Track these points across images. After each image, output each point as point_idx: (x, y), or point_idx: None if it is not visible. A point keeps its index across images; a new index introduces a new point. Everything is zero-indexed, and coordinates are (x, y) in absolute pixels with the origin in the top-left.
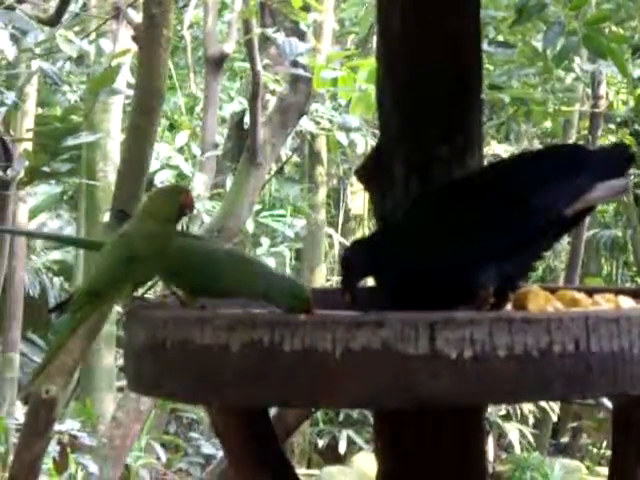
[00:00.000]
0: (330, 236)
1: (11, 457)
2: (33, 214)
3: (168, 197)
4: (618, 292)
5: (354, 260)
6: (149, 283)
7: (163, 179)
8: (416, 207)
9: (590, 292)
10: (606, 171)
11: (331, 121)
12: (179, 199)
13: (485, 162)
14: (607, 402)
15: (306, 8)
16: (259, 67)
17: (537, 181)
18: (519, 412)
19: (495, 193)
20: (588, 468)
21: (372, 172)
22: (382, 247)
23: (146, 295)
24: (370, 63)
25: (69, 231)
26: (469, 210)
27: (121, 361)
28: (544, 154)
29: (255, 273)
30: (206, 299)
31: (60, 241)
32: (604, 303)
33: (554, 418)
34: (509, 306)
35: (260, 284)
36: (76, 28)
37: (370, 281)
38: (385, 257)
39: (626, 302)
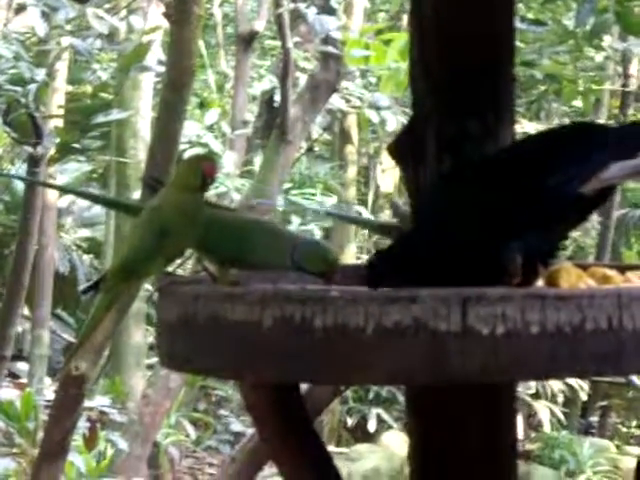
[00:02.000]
0: (360, 214)
1: (41, 434)
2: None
3: (191, 167)
4: None
5: (379, 265)
6: (180, 259)
7: None
8: (439, 189)
9: (622, 269)
10: (623, 150)
11: (361, 99)
12: (201, 167)
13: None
14: (637, 381)
15: None
16: (290, 44)
17: (552, 159)
18: (549, 391)
19: (514, 172)
20: (617, 447)
21: (404, 148)
22: (410, 232)
23: (177, 271)
24: (402, 36)
25: (98, 209)
26: (491, 188)
27: (151, 339)
28: (563, 132)
29: (284, 240)
30: (238, 271)
31: (98, 202)
32: (636, 280)
33: (584, 397)
34: (541, 283)
35: (289, 251)
36: (107, 5)
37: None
38: (413, 241)
39: None
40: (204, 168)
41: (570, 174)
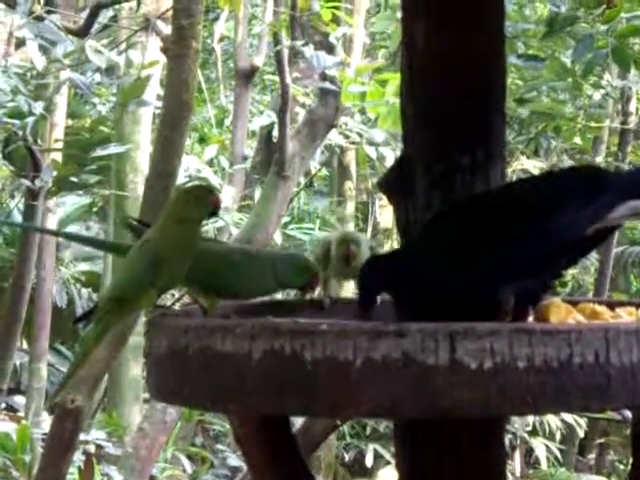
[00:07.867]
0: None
1: (37, 467)
2: (62, 225)
3: (197, 198)
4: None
5: (371, 277)
6: (176, 295)
7: None
8: (437, 223)
9: (612, 305)
10: (628, 192)
11: (360, 135)
12: (210, 200)
13: (514, 177)
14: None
15: (336, 22)
16: (288, 80)
17: (558, 202)
18: (546, 428)
19: (516, 212)
20: None
21: (395, 183)
22: (402, 263)
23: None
24: (398, 77)
25: None
26: (489, 227)
27: None
28: (566, 174)
29: (263, 264)
30: (227, 301)
31: (87, 243)
32: (625, 316)
33: (581, 434)
34: (531, 318)
35: (270, 273)
36: (105, 40)
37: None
38: (404, 273)
39: None
40: (212, 201)
41: (576, 216)
